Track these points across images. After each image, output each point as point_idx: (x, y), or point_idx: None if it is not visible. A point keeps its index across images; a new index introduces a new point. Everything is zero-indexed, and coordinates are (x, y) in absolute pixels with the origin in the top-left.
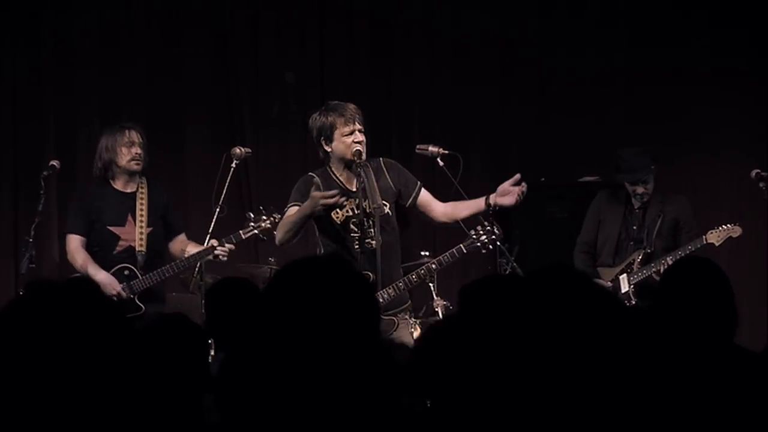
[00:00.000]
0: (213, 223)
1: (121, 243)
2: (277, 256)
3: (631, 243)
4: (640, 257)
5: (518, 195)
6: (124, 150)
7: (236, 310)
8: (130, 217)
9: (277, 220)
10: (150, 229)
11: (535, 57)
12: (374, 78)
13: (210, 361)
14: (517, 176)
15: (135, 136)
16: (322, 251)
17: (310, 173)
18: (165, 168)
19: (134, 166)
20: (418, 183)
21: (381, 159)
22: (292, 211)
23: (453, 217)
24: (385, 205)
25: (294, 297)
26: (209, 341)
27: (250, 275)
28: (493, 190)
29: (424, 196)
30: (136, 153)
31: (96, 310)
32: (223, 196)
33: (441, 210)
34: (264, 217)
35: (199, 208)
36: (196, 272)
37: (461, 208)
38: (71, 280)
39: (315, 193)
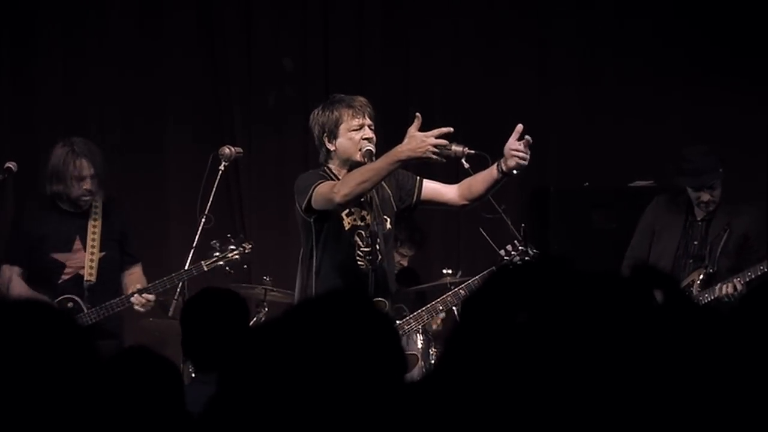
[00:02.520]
0: (198, 236)
1: (67, 271)
2: (272, 276)
3: (690, 261)
4: (700, 278)
5: (522, 152)
6: (74, 184)
7: (219, 327)
8: (78, 241)
9: (247, 251)
10: (102, 254)
11: (577, 41)
12: (387, 68)
13: (186, 384)
14: (519, 127)
15: (85, 166)
16: (318, 264)
17: (311, 171)
18: (142, 172)
19: (83, 202)
20: (417, 177)
21: None
22: (325, 186)
23: (472, 195)
24: (386, 220)
25: (312, 345)
26: (181, 375)
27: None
28: (527, 197)
29: (429, 186)
30: (86, 189)
31: (54, 338)
32: (209, 204)
33: (455, 192)
34: (232, 247)
35: (181, 218)
36: (177, 294)
37: (477, 182)
38: (25, 300)
39: (419, 134)
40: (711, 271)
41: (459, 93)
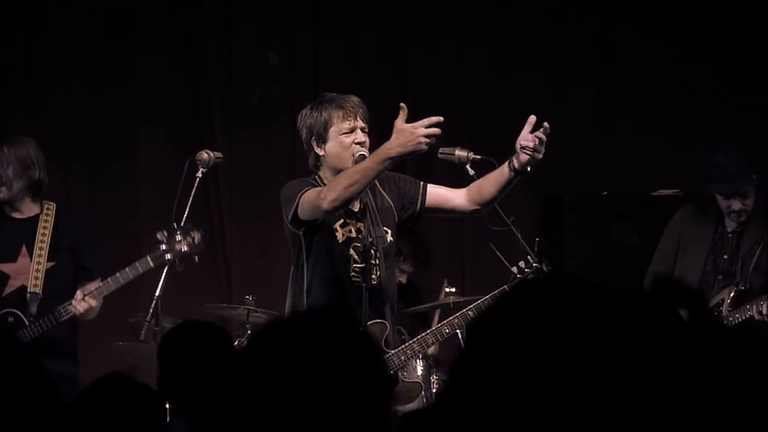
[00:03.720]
0: None
1: (11, 283)
2: (256, 295)
3: (720, 277)
4: (731, 296)
5: (533, 145)
6: None
7: (199, 365)
8: (24, 250)
9: (197, 241)
10: (51, 264)
11: (594, 36)
12: (383, 64)
13: None
14: (532, 118)
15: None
16: (309, 281)
17: (299, 179)
18: (113, 181)
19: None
20: (421, 182)
21: None
22: (311, 192)
23: (482, 199)
24: (387, 232)
25: (284, 369)
26: (164, 407)
27: (220, 319)
28: (538, 208)
29: (434, 192)
30: None
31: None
32: (186, 214)
33: (464, 197)
34: (178, 238)
35: (155, 229)
36: (149, 316)
37: (487, 184)
38: None
39: (407, 126)
40: (743, 288)
41: (463, 93)
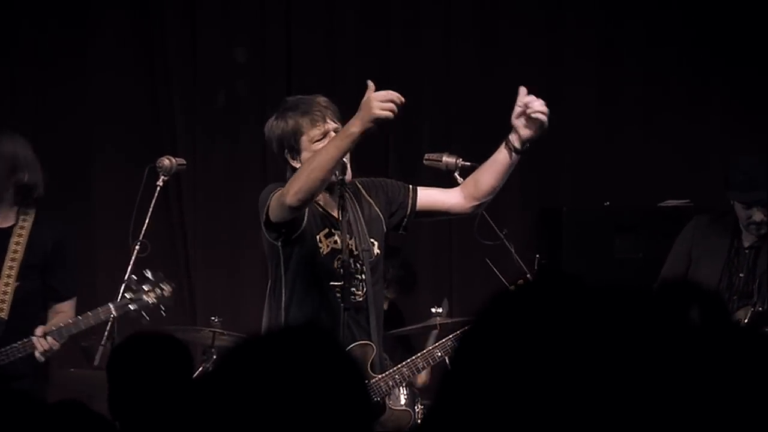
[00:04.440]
0: (131, 266)
1: None
2: (223, 316)
3: (735, 297)
4: (747, 317)
5: (535, 113)
6: None
7: (154, 382)
8: None
9: (166, 294)
10: (17, 284)
11: (594, 28)
12: (363, 58)
13: None
14: (523, 90)
15: None
16: (289, 298)
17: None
18: (64, 192)
19: None
20: (410, 186)
21: (356, 181)
22: (279, 191)
23: (480, 192)
24: (374, 244)
25: (254, 394)
26: None
27: (184, 341)
28: (533, 219)
29: (425, 194)
30: None
31: None
32: (145, 227)
33: (459, 195)
34: (146, 287)
35: (110, 244)
36: (104, 339)
37: (484, 174)
38: None
39: (372, 96)
40: (760, 309)
41: (451, 89)
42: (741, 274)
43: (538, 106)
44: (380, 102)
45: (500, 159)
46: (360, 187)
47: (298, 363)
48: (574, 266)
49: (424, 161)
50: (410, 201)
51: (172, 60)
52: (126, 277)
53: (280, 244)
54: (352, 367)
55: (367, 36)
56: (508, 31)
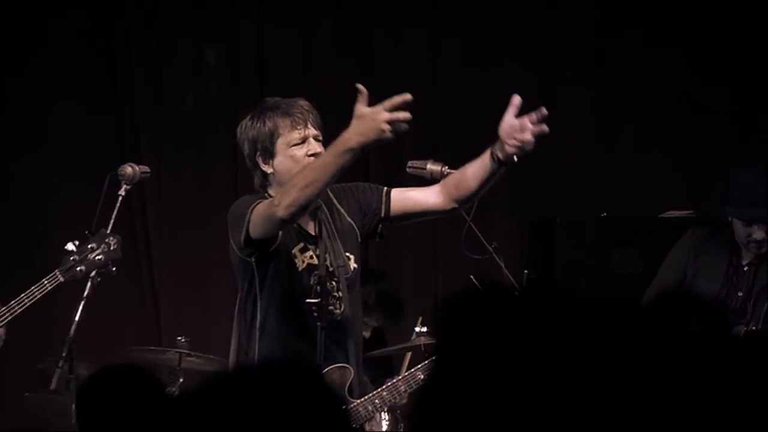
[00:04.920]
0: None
1: None
2: (189, 336)
3: (731, 315)
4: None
5: (523, 136)
6: None
7: (124, 416)
8: None
9: (113, 247)
10: None
11: (593, 33)
12: (343, 57)
13: None
14: (516, 99)
15: None
16: (263, 319)
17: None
18: (21, 204)
19: None
20: (383, 188)
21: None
22: (263, 204)
23: (461, 195)
24: (349, 258)
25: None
26: None
27: (148, 364)
28: (525, 232)
29: (401, 197)
30: None
31: None
32: None
33: (438, 195)
34: (91, 245)
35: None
36: (61, 362)
37: (467, 177)
38: None
39: (367, 111)
40: (753, 328)
41: (437, 90)
42: (740, 293)
43: (529, 136)
44: (389, 118)
45: (483, 166)
46: (330, 194)
47: (279, 402)
48: (569, 282)
49: (408, 169)
50: (383, 206)
51: (135, 58)
52: (68, 246)
53: (254, 260)
54: (331, 397)
55: (345, 33)
56: (498, 31)
